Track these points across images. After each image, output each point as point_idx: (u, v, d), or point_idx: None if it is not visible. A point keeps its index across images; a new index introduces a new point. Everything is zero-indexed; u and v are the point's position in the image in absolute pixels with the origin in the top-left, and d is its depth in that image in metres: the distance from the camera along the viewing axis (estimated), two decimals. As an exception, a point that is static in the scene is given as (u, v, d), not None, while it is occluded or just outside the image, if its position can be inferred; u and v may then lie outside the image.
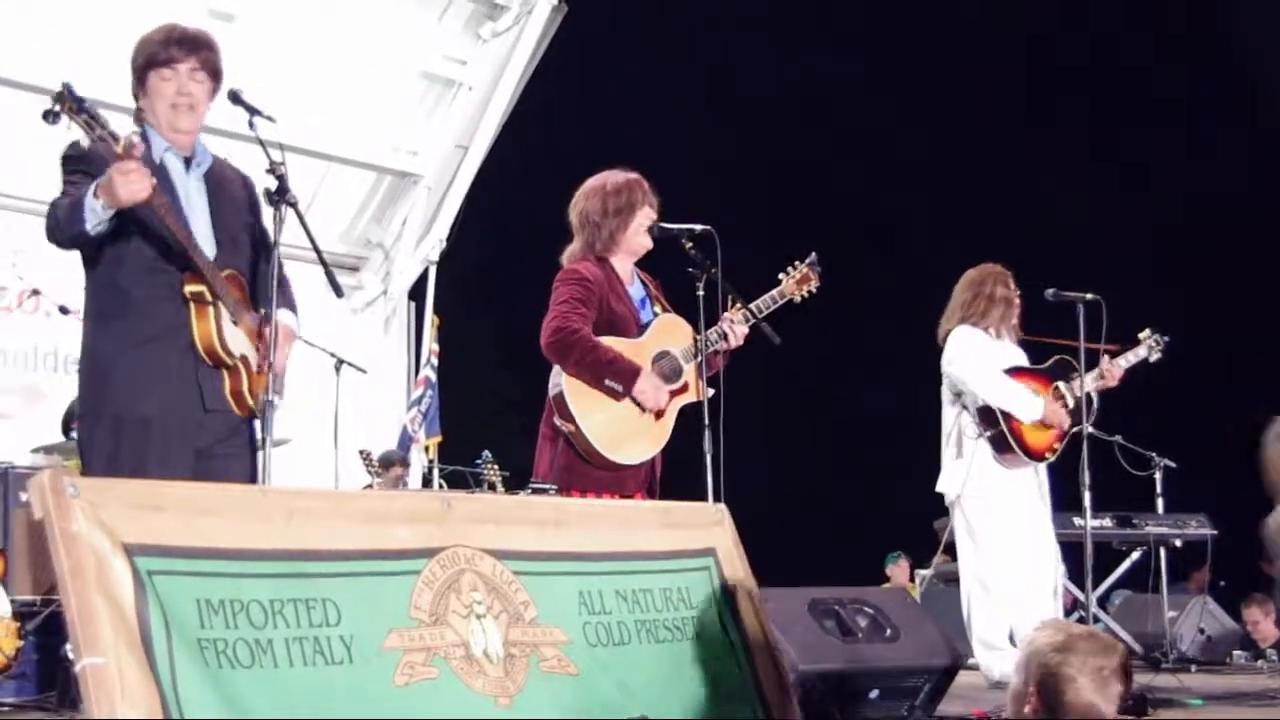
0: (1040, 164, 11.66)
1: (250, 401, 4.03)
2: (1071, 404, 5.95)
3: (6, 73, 7.80)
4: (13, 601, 5.77)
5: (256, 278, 4.22)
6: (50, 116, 3.65)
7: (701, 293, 4.96)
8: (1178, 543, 7.86)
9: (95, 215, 3.71)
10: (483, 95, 9.90)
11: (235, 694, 2.41)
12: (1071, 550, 6.56)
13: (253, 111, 4.14)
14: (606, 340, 4.86)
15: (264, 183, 4.18)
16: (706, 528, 3.42)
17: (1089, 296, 5.92)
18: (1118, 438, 7.74)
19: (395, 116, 9.90)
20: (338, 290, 4.50)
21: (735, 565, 3.40)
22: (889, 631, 4.52)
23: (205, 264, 3.85)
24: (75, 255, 4.02)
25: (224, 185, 4.17)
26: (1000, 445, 5.85)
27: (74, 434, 7.22)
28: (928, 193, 12.04)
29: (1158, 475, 8.05)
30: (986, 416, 5.87)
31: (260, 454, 3.99)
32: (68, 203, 3.79)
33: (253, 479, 4.10)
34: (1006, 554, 5.83)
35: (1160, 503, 8.06)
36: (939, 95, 12.04)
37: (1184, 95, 11.66)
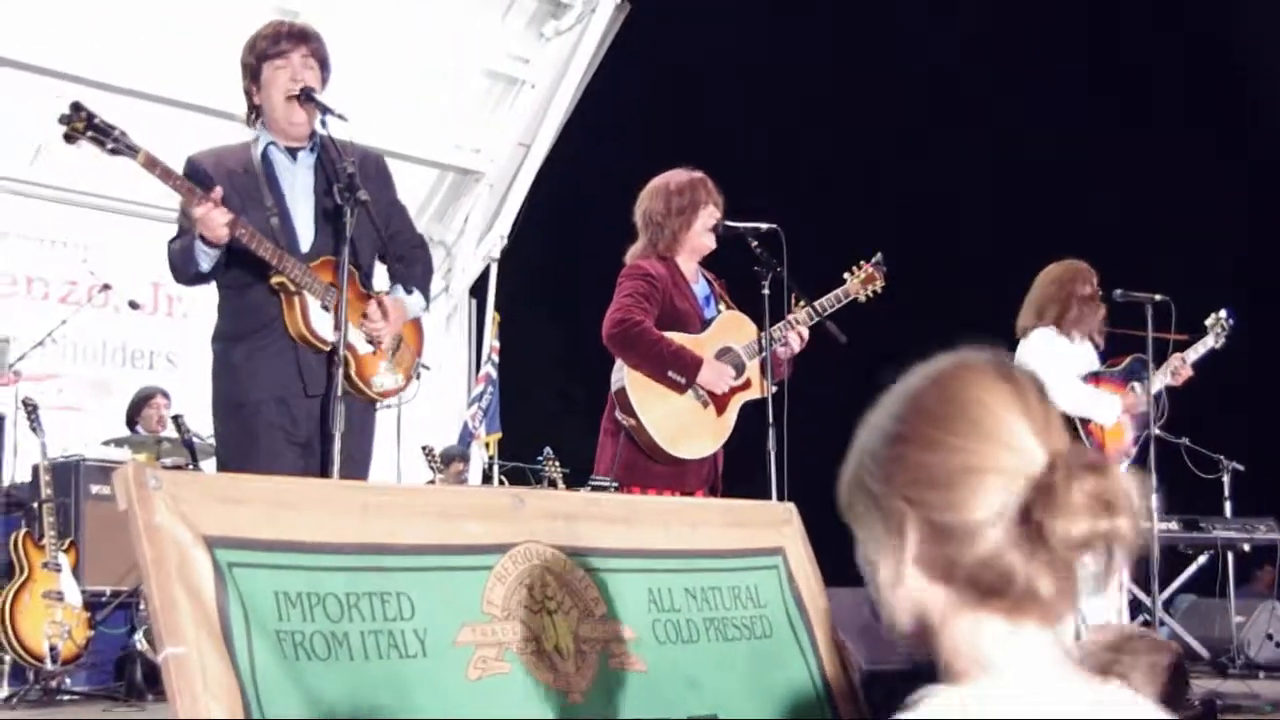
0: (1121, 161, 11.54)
1: (363, 386, 4.15)
2: (1144, 406, 5.86)
3: (79, 71, 7.92)
4: (83, 592, 5.88)
5: (390, 251, 4.32)
6: (70, 138, 3.75)
7: (767, 291, 4.96)
8: (1246, 547, 7.76)
9: (206, 256, 3.90)
10: (545, 93, 9.95)
11: (312, 685, 2.43)
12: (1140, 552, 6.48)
13: (324, 110, 4.18)
14: (669, 335, 4.87)
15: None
16: (776, 526, 3.41)
17: (1158, 297, 5.85)
18: (1185, 440, 7.65)
19: (458, 114, 9.97)
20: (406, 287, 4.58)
21: (804, 565, 3.39)
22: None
23: (275, 255, 3.93)
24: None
25: (334, 169, 4.13)
26: None
27: (139, 428, 7.37)
28: (993, 187, 11.94)
29: (1225, 478, 7.95)
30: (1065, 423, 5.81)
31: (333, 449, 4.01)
32: (179, 247, 4.00)
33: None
34: None
35: (1228, 506, 7.95)
36: (1009, 87, 11.94)
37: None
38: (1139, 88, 12.08)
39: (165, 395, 7.43)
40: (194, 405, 5.52)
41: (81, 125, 3.70)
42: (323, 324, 4.01)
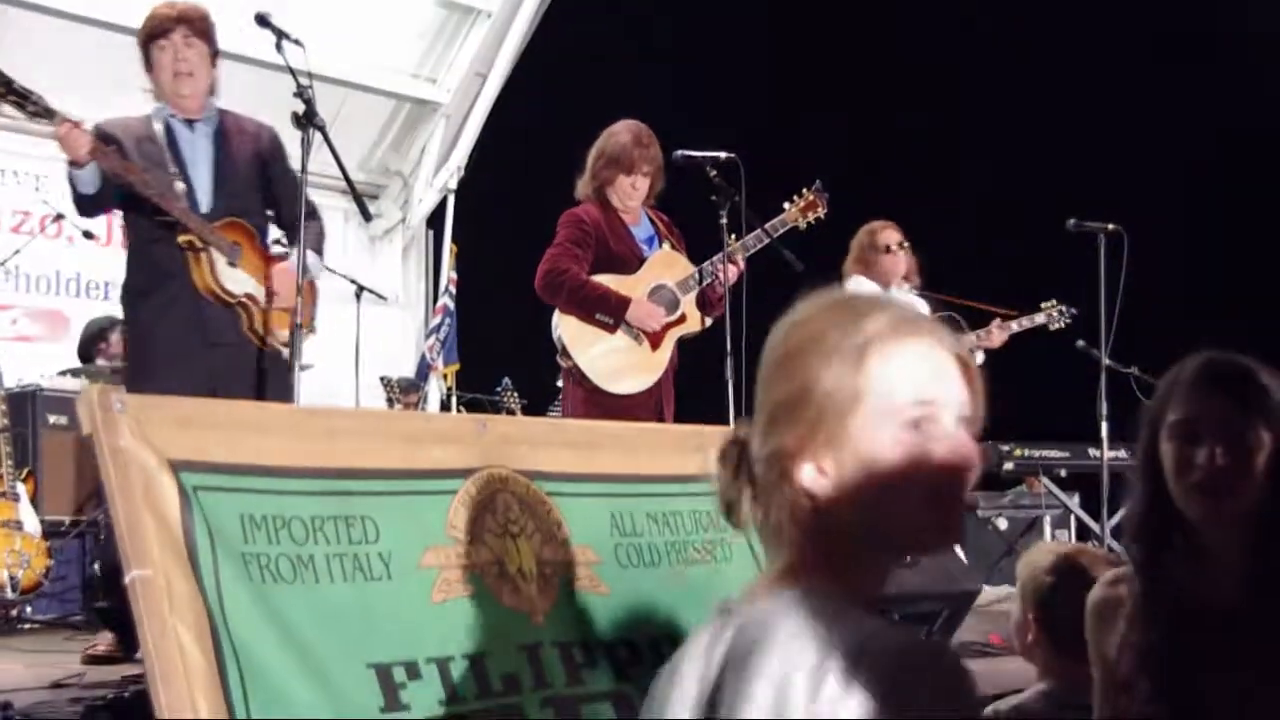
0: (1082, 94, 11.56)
1: (265, 335, 4.51)
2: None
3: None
4: (42, 521, 5.87)
5: (283, 215, 4.51)
6: None
7: (724, 221, 5.00)
8: (1192, 474, 7.90)
9: (79, 179, 4.30)
10: (502, 22, 9.84)
11: (278, 607, 2.46)
12: (1090, 481, 6.61)
13: (281, 35, 4.22)
14: (601, 278, 4.95)
15: (292, 106, 4.29)
16: (735, 451, 3.45)
17: (1110, 227, 5.94)
18: (1134, 369, 7.75)
19: (414, 45, 9.86)
20: (366, 215, 4.76)
21: (762, 489, 3.44)
22: (908, 557, 4.59)
23: (183, 213, 4.32)
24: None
25: (233, 139, 4.47)
26: None
27: (100, 360, 7.32)
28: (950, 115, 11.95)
29: (1174, 407, 8.06)
30: None
31: (292, 377, 4.18)
32: (70, 185, 4.40)
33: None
34: None
35: (1176, 434, 8.07)
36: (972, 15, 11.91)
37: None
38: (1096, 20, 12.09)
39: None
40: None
41: (2, 89, 4.11)
42: (230, 278, 4.40)
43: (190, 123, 4.52)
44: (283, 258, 4.63)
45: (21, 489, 5.77)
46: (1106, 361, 6.08)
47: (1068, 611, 2.63)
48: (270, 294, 4.49)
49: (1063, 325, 6.51)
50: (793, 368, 1.54)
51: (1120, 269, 6.01)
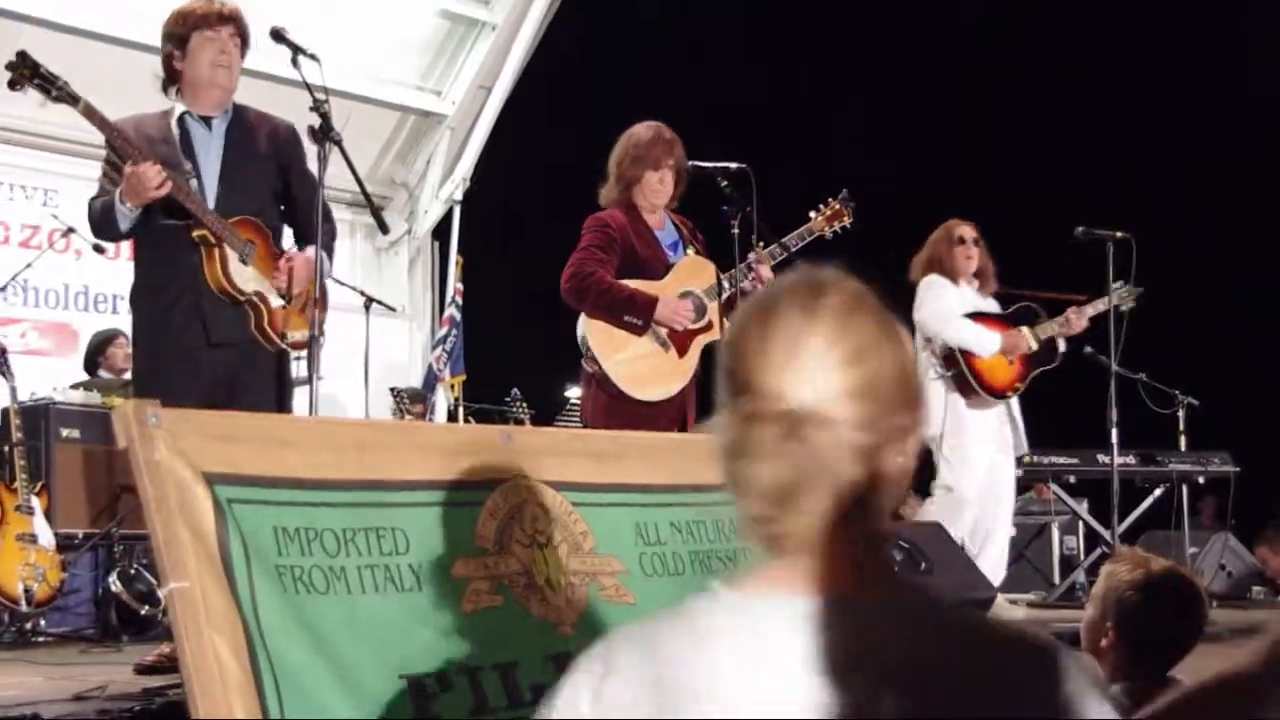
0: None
1: (274, 336, 4.43)
2: (1035, 346, 6.13)
3: (36, 11, 7.82)
4: (56, 534, 5.89)
5: (298, 216, 4.46)
6: (14, 85, 4.11)
7: (736, 231, 5.01)
8: (1200, 480, 7.93)
9: (125, 218, 4.26)
10: (506, 35, 9.87)
11: (312, 618, 2.48)
12: (1099, 487, 6.63)
13: (296, 50, 4.24)
14: (627, 282, 4.94)
15: (308, 120, 4.32)
16: (757, 461, 3.47)
17: (1119, 234, 5.98)
18: (1142, 375, 7.78)
19: (418, 57, 9.90)
20: (384, 227, 4.78)
21: (784, 498, 3.46)
22: (924, 565, 4.62)
23: (200, 209, 4.26)
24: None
25: (246, 136, 4.47)
26: (962, 385, 6.01)
27: (102, 371, 7.35)
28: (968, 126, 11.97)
29: (1181, 413, 8.10)
30: (949, 359, 6.05)
31: (309, 389, 4.20)
32: (99, 206, 4.35)
33: (279, 411, 4.39)
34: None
35: (1183, 440, 8.11)
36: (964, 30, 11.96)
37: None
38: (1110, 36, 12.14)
39: (126, 336, 7.40)
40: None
41: (28, 73, 4.05)
42: (241, 275, 4.34)
43: (207, 120, 4.46)
44: (284, 257, 4.54)
45: (36, 502, 5.78)
46: (1115, 368, 6.11)
47: (1152, 630, 2.75)
48: (288, 282, 4.43)
49: (1133, 304, 6.49)
50: (894, 344, 1.45)
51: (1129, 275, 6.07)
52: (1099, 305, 6.37)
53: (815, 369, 1.38)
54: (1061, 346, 6.30)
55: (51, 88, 4.07)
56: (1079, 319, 6.28)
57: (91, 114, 4.12)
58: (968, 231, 6.31)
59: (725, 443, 1.44)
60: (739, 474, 1.42)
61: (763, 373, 1.40)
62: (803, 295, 1.43)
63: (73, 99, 4.09)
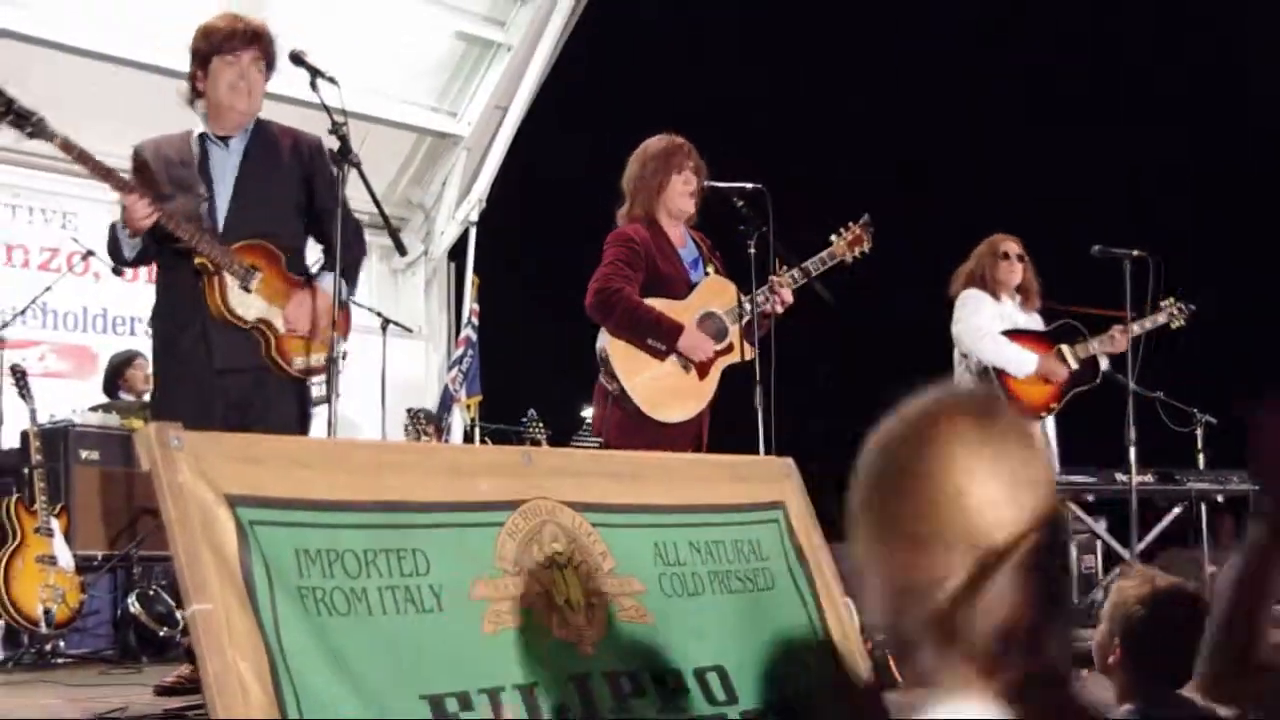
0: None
1: (281, 362, 4.42)
2: (1075, 365, 6.09)
3: (55, 36, 7.87)
4: (75, 556, 5.90)
5: (323, 230, 4.44)
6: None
7: (753, 252, 5.01)
8: (1219, 498, 7.88)
9: (128, 245, 4.34)
10: (521, 56, 9.89)
11: (334, 640, 2.49)
12: (1117, 506, 6.60)
13: (315, 73, 4.26)
14: (652, 301, 4.93)
15: (327, 143, 4.34)
16: (776, 481, 3.48)
17: (1135, 253, 5.96)
18: (1159, 394, 7.74)
19: (434, 78, 9.93)
20: (401, 249, 4.80)
21: (803, 518, 3.47)
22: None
23: (194, 237, 4.25)
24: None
25: (267, 149, 4.47)
26: None
27: (121, 393, 7.37)
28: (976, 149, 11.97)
29: (1199, 431, 8.05)
30: (983, 375, 6.04)
31: (327, 409, 4.20)
32: (110, 233, 4.40)
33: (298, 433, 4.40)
34: None
35: (1201, 458, 8.06)
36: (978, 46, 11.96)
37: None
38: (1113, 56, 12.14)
39: (144, 357, 7.43)
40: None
41: (2, 109, 4.06)
42: (243, 303, 4.33)
43: (225, 140, 4.46)
44: (306, 283, 4.54)
45: (55, 524, 5.80)
46: (1133, 387, 6.09)
47: (1155, 645, 2.73)
48: (303, 323, 4.43)
49: (1183, 322, 6.44)
50: None
51: (1146, 294, 6.06)
52: (1146, 324, 6.33)
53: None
54: (1104, 365, 6.26)
55: (26, 124, 4.08)
56: (1123, 337, 6.23)
57: (69, 148, 4.12)
58: (1012, 246, 6.32)
59: None
60: None
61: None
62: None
63: (49, 135, 4.09)
